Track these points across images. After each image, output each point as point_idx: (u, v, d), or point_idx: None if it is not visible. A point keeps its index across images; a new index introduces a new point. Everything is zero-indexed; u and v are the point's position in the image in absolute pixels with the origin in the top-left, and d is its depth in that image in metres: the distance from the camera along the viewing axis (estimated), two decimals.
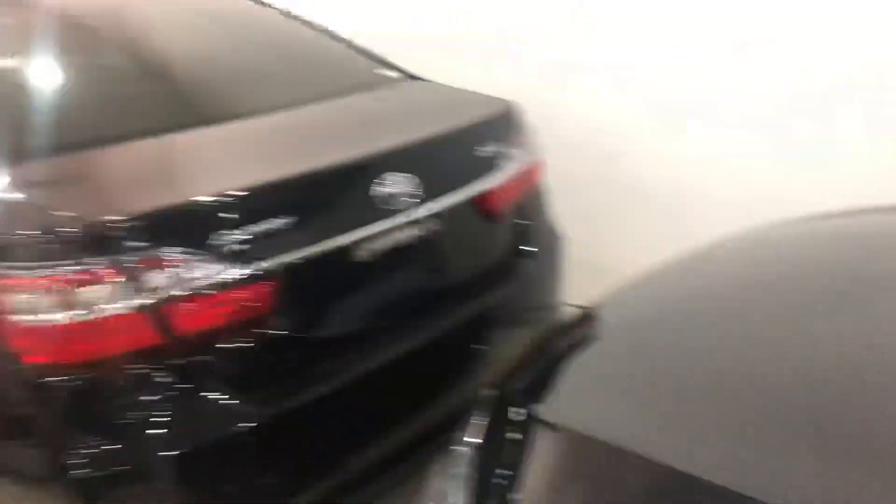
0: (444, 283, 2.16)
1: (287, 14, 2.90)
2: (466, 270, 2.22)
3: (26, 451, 1.62)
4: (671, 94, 3.07)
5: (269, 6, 2.93)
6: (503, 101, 2.40)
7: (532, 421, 1.31)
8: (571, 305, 3.17)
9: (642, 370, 1.37)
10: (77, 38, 2.55)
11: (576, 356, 1.58)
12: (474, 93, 2.51)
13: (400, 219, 1.94)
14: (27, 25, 2.54)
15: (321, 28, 2.86)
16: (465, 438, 1.40)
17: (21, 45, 2.50)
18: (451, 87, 2.60)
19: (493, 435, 1.37)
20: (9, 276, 1.54)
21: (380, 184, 1.89)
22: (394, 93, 2.56)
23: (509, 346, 2.30)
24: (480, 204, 2.20)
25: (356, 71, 2.70)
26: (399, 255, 2.00)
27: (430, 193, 2.00)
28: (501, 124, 2.30)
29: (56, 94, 2.23)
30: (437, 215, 2.05)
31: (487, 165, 2.21)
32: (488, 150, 2.20)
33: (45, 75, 2.35)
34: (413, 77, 2.71)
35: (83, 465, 1.57)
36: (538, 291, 2.43)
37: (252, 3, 2.93)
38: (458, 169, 2.14)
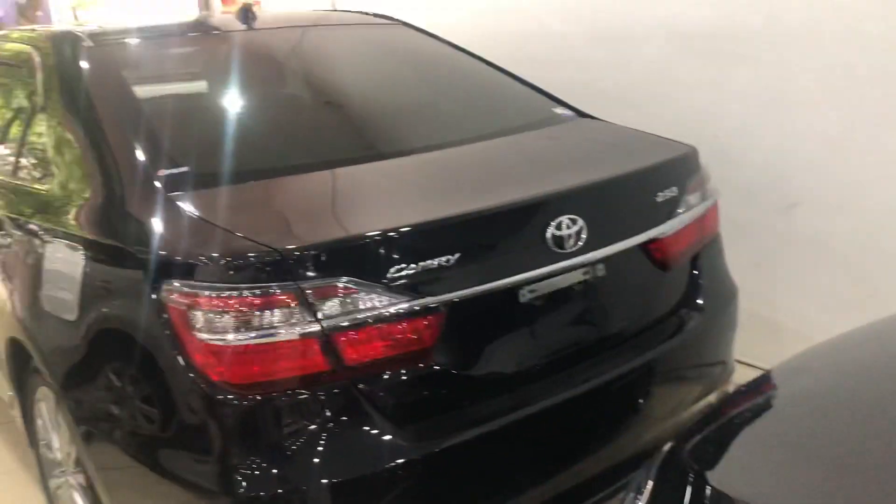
0: (607, 332, 2.09)
1: (462, 50, 2.94)
2: (632, 320, 2.14)
3: (198, 463, 1.69)
4: (857, 140, 2.84)
5: (444, 41, 2.99)
6: (682, 144, 2.31)
7: (703, 488, 1.23)
8: (744, 363, 3.00)
9: (827, 445, 1.26)
10: (263, 69, 2.71)
11: (755, 422, 1.47)
12: (651, 135, 2.44)
13: (567, 262, 1.90)
14: (217, 55, 2.73)
15: (494, 64, 2.88)
16: (630, 496, 1.34)
17: (211, 73, 2.69)
18: (626, 128, 2.54)
19: (661, 498, 1.30)
20: (196, 295, 1.62)
21: (549, 226, 1.86)
22: (566, 131, 2.53)
23: (675, 404, 2.19)
24: (651, 251, 2.12)
25: (528, 108, 2.69)
26: (563, 300, 1.96)
27: (599, 238, 1.95)
28: (679, 169, 2.21)
29: (243, 123, 2.36)
30: (605, 261, 1.99)
31: (661, 211, 2.12)
32: (663, 195, 2.12)
33: (233, 104, 2.51)
34: (586, 115, 2.67)
35: (247, 483, 1.62)
36: (708, 347, 2.30)
37: (427, 38, 3.00)
38: (630, 214, 2.07)
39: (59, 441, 2.28)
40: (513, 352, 1.91)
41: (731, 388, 2.33)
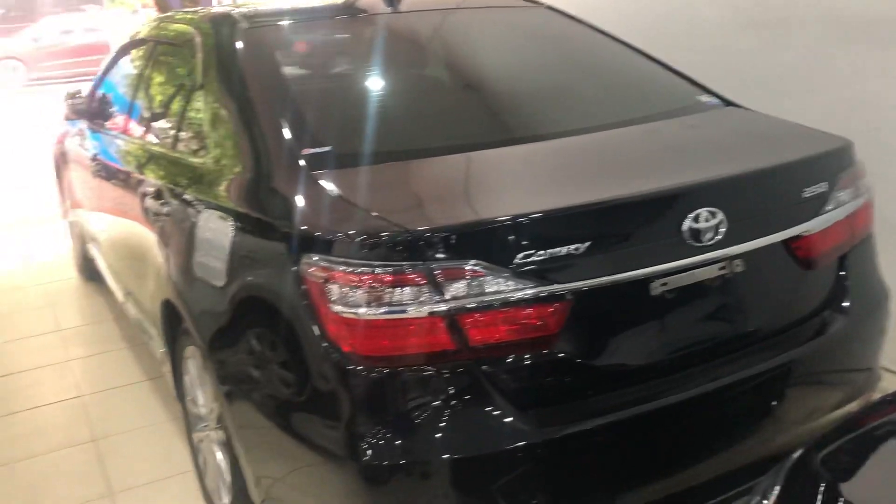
0: (742, 330, 2.01)
1: (606, 34, 2.89)
2: (770, 319, 2.05)
3: (326, 428, 1.77)
4: None
5: (588, 25, 2.94)
6: (835, 137, 2.18)
7: (835, 499, 1.18)
8: (894, 372, 2.82)
9: None
10: (406, 52, 2.77)
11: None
12: (802, 126, 2.31)
13: (703, 256, 1.84)
14: (362, 38, 2.81)
15: (638, 49, 2.81)
16: (756, 500, 1.29)
17: (356, 56, 2.77)
18: (776, 119, 2.42)
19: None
20: (332, 269, 1.69)
21: (686, 218, 1.81)
22: (711, 120, 2.45)
23: (812, 409, 2.09)
24: (795, 249, 2.02)
25: (672, 95, 2.62)
26: (697, 294, 1.91)
27: (739, 232, 1.88)
28: (830, 163, 2.08)
29: (384, 105, 2.43)
30: (744, 256, 1.91)
31: (808, 208, 2.02)
32: (811, 190, 2.01)
33: (375, 87, 2.58)
34: (732, 104, 2.57)
35: (372, 451, 1.69)
36: (852, 352, 2.18)
37: (571, 21, 2.97)
38: (773, 209, 1.98)
39: (203, 397, 2.45)
40: (640, 344, 1.88)
41: (876, 396, 2.20)
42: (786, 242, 2.01)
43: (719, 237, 1.85)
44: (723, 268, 1.90)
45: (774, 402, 2.03)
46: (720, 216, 1.84)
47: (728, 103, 2.56)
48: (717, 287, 1.93)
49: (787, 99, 3.12)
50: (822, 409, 2.12)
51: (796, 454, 1.31)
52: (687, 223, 1.81)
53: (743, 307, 2.02)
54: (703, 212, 1.82)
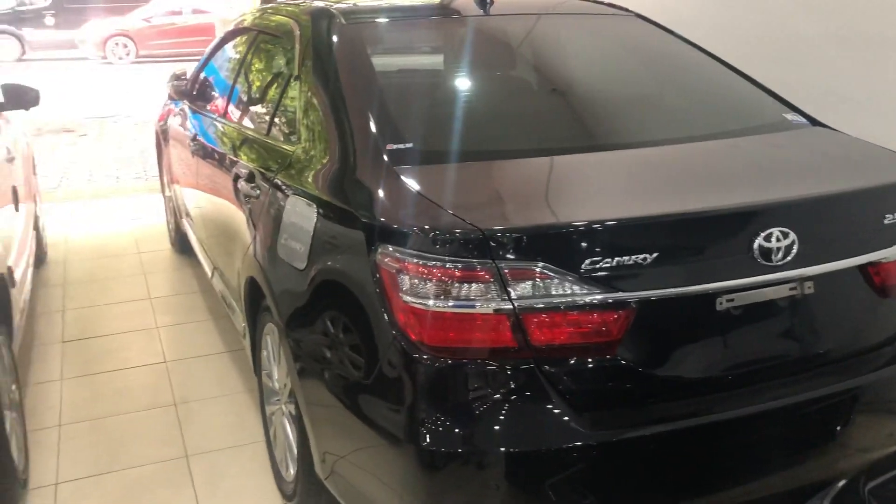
0: (809, 352, 2.00)
1: (695, 46, 2.88)
2: (839, 343, 2.03)
3: (389, 412, 1.86)
4: None
5: (677, 36, 2.94)
6: None
7: None
8: None
9: None
10: (494, 55, 2.83)
11: None
12: (888, 150, 2.27)
13: (772, 276, 1.85)
14: (453, 39, 2.89)
15: (726, 63, 2.80)
16: None
17: (445, 56, 2.85)
18: (862, 141, 2.38)
19: None
20: (405, 261, 1.77)
21: (758, 236, 1.82)
22: (794, 139, 2.42)
23: (878, 438, 2.06)
24: (871, 275, 2.00)
25: (758, 111, 2.60)
26: (764, 313, 1.91)
27: (811, 254, 1.88)
28: None
29: (468, 106, 2.50)
30: (815, 279, 1.91)
31: (887, 234, 1.99)
32: (893, 217, 1.98)
33: (461, 87, 2.66)
34: (819, 124, 2.53)
35: (431, 438, 1.76)
36: None
37: (660, 31, 2.97)
38: (850, 233, 1.96)
39: (278, 373, 2.57)
40: (702, 358, 1.90)
41: None
42: (861, 268, 1.99)
43: (790, 258, 1.85)
44: (793, 288, 1.90)
45: (839, 427, 2.01)
46: (792, 237, 1.84)
47: (815, 123, 2.53)
48: (785, 307, 1.93)
49: (881, 120, 3.05)
50: (893, 439, 2.08)
51: (842, 482, 1.32)
52: (758, 241, 1.82)
53: (812, 329, 2.01)
54: (776, 231, 1.82)
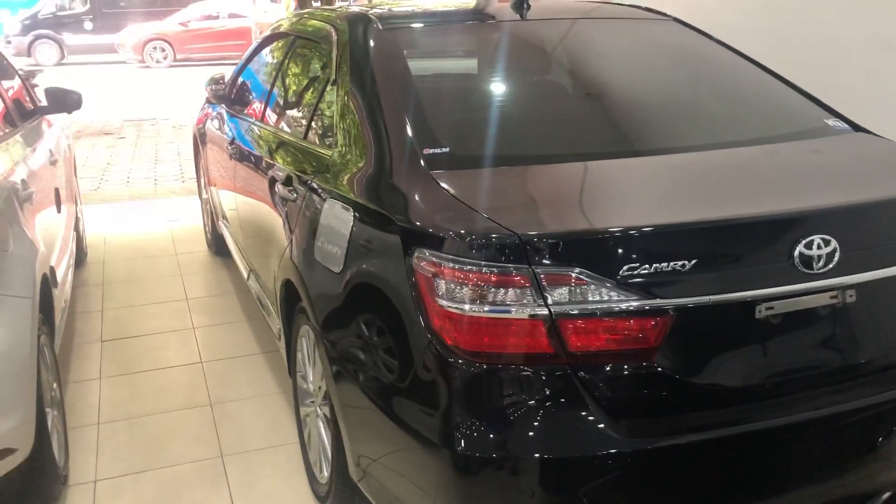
0: (850, 361, 1.97)
1: (734, 51, 2.85)
2: (882, 352, 2.00)
3: (424, 415, 1.86)
4: None
5: (715, 41, 2.91)
6: None
7: None
8: None
9: None
10: (530, 60, 2.83)
11: None
12: None
13: (812, 284, 1.82)
14: (489, 45, 2.89)
15: (766, 67, 2.76)
16: None
17: (481, 61, 2.85)
18: None
19: None
20: (441, 265, 1.78)
21: (798, 243, 1.80)
22: (836, 145, 2.39)
23: None
24: None
25: (798, 117, 2.57)
26: (804, 322, 1.88)
27: (854, 262, 1.85)
28: None
29: (504, 111, 2.50)
30: (857, 287, 1.88)
31: None
32: None
33: (497, 93, 2.66)
34: (862, 129, 2.49)
35: (465, 442, 1.76)
36: None
37: (698, 36, 2.94)
38: (893, 240, 1.92)
39: (313, 375, 2.59)
40: (741, 366, 1.88)
41: None
42: None
43: (831, 266, 1.82)
44: (834, 297, 1.87)
45: (881, 439, 1.97)
46: (833, 244, 1.81)
47: (857, 128, 2.49)
48: (826, 316, 1.90)
49: None
50: None
51: (887, 494, 1.29)
52: (798, 249, 1.80)
53: (853, 338, 1.98)
54: (816, 239, 1.80)
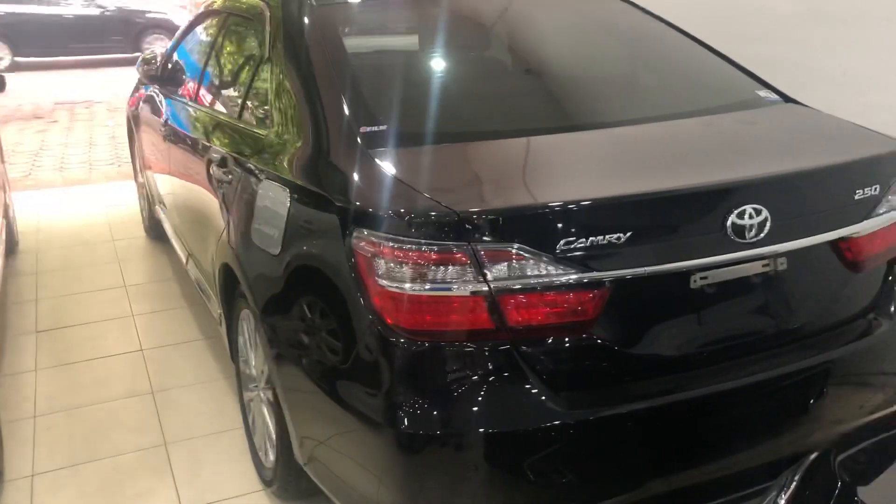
0: (782, 327, 2.02)
1: (671, 25, 2.88)
2: (812, 318, 2.06)
3: (367, 396, 1.85)
4: None
5: (653, 16, 2.94)
6: (892, 140, 2.16)
7: (851, 502, 1.20)
8: None
9: None
10: (468, 35, 2.81)
11: None
12: (861, 127, 2.29)
13: (745, 252, 1.86)
14: (426, 20, 2.86)
15: (702, 41, 2.80)
16: (773, 494, 1.33)
17: (419, 37, 2.82)
18: (834, 118, 2.39)
19: (803, 502, 1.28)
20: (380, 245, 1.76)
21: (731, 213, 1.83)
22: (767, 116, 2.43)
23: (851, 410, 2.09)
24: (842, 250, 2.02)
25: (731, 89, 2.61)
26: (738, 290, 1.92)
27: (784, 231, 1.89)
28: (885, 166, 2.07)
29: (442, 87, 2.48)
30: (787, 255, 1.92)
31: (858, 210, 2.01)
32: (862, 193, 2.00)
33: (435, 69, 2.63)
34: (792, 101, 2.55)
35: (409, 420, 1.76)
36: (894, 356, 2.16)
37: (636, 10, 2.96)
38: (821, 209, 1.98)
39: (255, 359, 2.56)
40: (677, 336, 1.91)
41: None
42: (833, 243, 2.01)
43: (763, 234, 1.86)
44: (766, 265, 1.91)
45: (813, 401, 2.03)
46: (765, 213, 1.85)
47: (788, 100, 2.54)
48: (759, 283, 1.94)
49: (853, 97, 3.07)
50: (863, 411, 2.11)
51: (814, 454, 1.33)
52: (731, 219, 1.83)
53: (786, 305, 2.03)
54: (748, 208, 1.84)
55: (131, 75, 4.75)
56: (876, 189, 2.02)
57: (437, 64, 2.67)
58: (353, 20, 2.73)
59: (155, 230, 4.82)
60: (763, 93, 2.55)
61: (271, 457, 2.46)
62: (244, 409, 2.79)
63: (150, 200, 4.68)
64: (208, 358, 3.50)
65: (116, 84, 11.58)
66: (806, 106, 2.52)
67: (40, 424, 3.03)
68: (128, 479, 2.70)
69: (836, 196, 1.99)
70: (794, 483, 1.29)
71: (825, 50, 3.29)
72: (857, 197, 2.00)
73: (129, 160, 5.39)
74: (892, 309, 2.13)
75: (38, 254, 4.86)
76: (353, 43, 2.53)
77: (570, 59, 2.78)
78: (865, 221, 2.01)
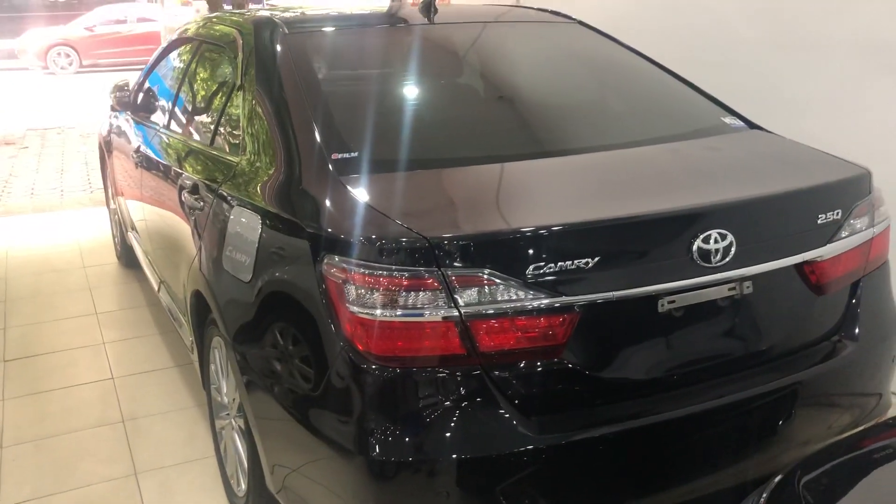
0: (749, 350, 2.05)
1: (635, 52, 2.93)
2: (778, 341, 2.09)
3: (338, 423, 1.84)
4: None
5: (618, 43, 2.99)
6: (854, 166, 2.21)
7: None
8: None
9: None
10: (438, 64, 2.84)
11: (891, 462, 1.42)
12: (822, 153, 2.34)
13: (711, 277, 1.89)
14: (397, 49, 2.89)
15: (666, 68, 2.85)
16: None
17: (389, 65, 2.85)
18: (797, 144, 2.45)
19: None
20: (351, 271, 1.77)
21: (696, 238, 1.86)
22: (732, 143, 2.48)
23: (818, 432, 2.12)
24: (806, 273, 2.06)
25: (697, 116, 2.66)
26: (705, 314, 1.95)
27: (749, 255, 1.93)
28: (846, 191, 2.11)
29: (414, 115, 2.50)
30: (753, 279, 1.96)
31: (821, 234, 2.05)
32: (825, 217, 2.04)
33: (406, 96, 2.66)
34: (756, 127, 2.60)
35: (380, 447, 1.76)
36: (861, 378, 2.20)
37: (602, 38, 3.02)
38: (785, 233, 2.01)
39: (226, 387, 2.54)
40: (646, 359, 1.93)
41: None
42: (798, 267, 2.05)
43: (728, 259, 1.89)
44: (732, 288, 1.94)
45: (780, 423, 2.06)
46: (730, 238, 1.88)
47: (752, 126, 2.60)
48: (725, 307, 1.97)
49: (815, 123, 3.14)
50: (831, 432, 2.15)
51: (778, 477, 1.35)
52: (697, 244, 1.86)
53: (752, 328, 2.06)
54: (714, 233, 1.87)
55: (104, 101, 4.73)
56: (838, 213, 2.06)
57: (409, 91, 2.69)
58: (325, 48, 2.75)
59: (127, 257, 4.78)
60: (728, 119, 2.60)
61: (243, 485, 2.44)
62: (216, 438, 2.77)
63: (122, 227, 4.65)
64: (180, 386, 3.47)
65: (89, 110, 11.51)
66: (770, 132, 2.58)
67: (7, 455, 2.97)
68: None
69: (799, 220, 2.03)
70: None
71: (789, 77, 3.36)
72: (819, 221, 2.04)
73: (102, 186, 5.35)
74: (856, 331, 2.17)
75: (7, 281, 4.80)
76: (324, 70, 2.56)
77: (540, 87, 2.82)
78: (828, 245, 2.05)
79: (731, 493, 1.94)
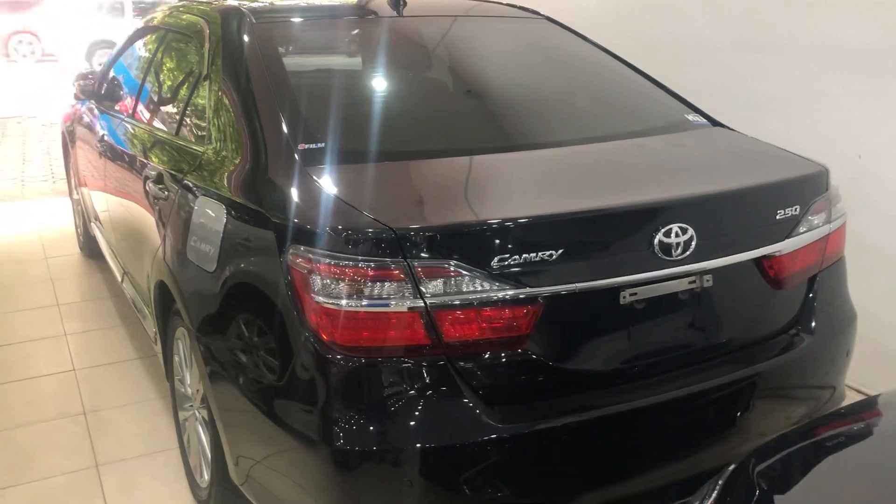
0: (708, 342, 2.09)
1: (601, 48, 2.96)
2: (736, 333, 2.13)
3: (303, 413, 1.85)
4: None
5: (584, 38, 3.02)
6: (812, 163, 2.26)
7: None
8: (863, 393, 2.89)
9: None
10: (406, 56, 2.85)
11: (846, 450, 1.45)
12: (782, 150, 2.39)
13: (672, 270, 1.92)
14: (365, 40, 2.89)
15: (632, 65, 2.89)
16: None
17: (357, 57, 2.85)
18: (758, 141, 2.50)
19: None
20: (317, 261, 1.77)
21: (658, 232, 1.89)
22: (695, 139, 2.52)
23: (775, 423, 2.17)
24: (765, 268, 2.10)
25: (661, 112, 2.70)
26: (666, 306, 1.99)
27: (709, 249, 1.96)
28: (804, 188, 2.16)
29: (381, 106, 2.51)
30: (713, 272, 1.99)
31: (779, 229, 2.10)
32: (784, 213, 2.09)
33: (374, 88, 2.66)
34: (719, 124, 2.65)
35: (345, 437, 1.77)
36: (817, 370, 2.26)
37: (568, 34, 3.04)
38: (745, 228, 2.06)
39: (190, 378, 2.53)
40: (608, 351, 1.96)
41: None
42: (756, 261, 2.09)
43: (689, 252, 1.93)
44: (693, 282, 1.98)
45: (738, 413, 2.11)
46: (690, 232, 1.91)
47: (715, 123, 2.64)
48: (686, 300, 2.01)
49: (776, 121, 3.20)
50: (786, 423, 2.20)
51: (733, 465, 1.38)
52: (658, 237, 1.89)
53: (711, 321, 2.10)
54: (675, 227, 1.90)
55: (67, 90, 4.66)
56: (797, 209, 2.11)
57: (377, 83, 2.70)
58: (293, 38, 2.74)
59: (90, 247, 4.72)
60: (692, 116, 2.64)
61: (206, 477, 2.43)
62: (179, 429, 2.75)
63: (85, 217, 4.58)
64: (143, 377, 3.44)
65: (51, 99, 11.31)
66: (732, 130, 2.62)
67: None
68: (57, 502, 2.63)
69: (758, 216, 2.08)
70: (715, 493, 1.33)
71: (751, 76, 3.42)
72: (778, 217, 2.08)
73: (64, 176, 5.27)
74: (813, 325, 2.22)
75: None
76: (292, 61, 2.54)
77: (508, 82, 2.84)
78: (787, 240, 2.10)
79: (690, 482, 1.98)
